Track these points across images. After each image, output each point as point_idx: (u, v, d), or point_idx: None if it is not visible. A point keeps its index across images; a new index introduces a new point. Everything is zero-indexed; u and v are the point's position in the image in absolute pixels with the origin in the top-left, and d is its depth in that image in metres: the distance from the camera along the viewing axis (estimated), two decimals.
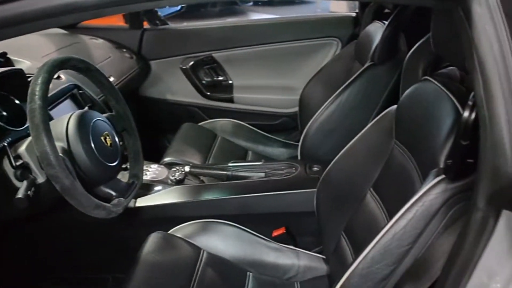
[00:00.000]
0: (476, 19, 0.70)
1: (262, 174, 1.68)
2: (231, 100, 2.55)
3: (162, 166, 1.78)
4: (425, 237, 0.88)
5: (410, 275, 0.90)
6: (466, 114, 0.78)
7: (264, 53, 2.48)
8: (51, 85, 1.10)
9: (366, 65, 1.74)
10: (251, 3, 8.80)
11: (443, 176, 0.87)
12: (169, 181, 1.67)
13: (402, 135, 1.17)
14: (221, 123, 2.36)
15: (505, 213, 0.72)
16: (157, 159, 1.91)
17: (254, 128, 2.39)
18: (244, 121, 2.41)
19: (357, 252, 0.96)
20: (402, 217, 0.89)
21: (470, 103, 0.78)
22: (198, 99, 2.55)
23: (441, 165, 0.91)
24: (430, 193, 0.87)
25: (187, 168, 1.72)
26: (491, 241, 0.74)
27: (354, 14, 2.46)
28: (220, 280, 1.35)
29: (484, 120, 0.70)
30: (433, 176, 0.89)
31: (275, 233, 1.57)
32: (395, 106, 1.22)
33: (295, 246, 1.54)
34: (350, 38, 2.35)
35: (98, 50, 2.22)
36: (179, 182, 1.67)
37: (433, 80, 1.07)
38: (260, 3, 8.78)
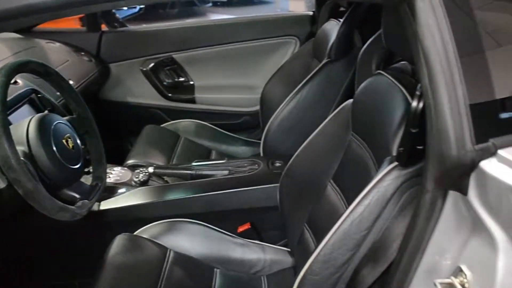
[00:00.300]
0: (420, 13, 0.75)
1: (226, 172, 1.71)
2: (192, 101, 2.56)
3: (125, 168, 1.78)
4: (382, 221, 0.93)
5: (369, 258, 0.94)
6: (414, 103, 0.83)
7: (224, 53, 2.50)
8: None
9: (323, 62, 1.79)
10: (210, 4, 8.80)
11: (396, 163, 0.92)
12: (133, 183, 1.68)
13: (358, 127, 1.22)
14: (184, 124, 2.37)
15: (451, 193, 0.77)
16: (120, 162, 1.91)
17: (216, 128, 2.41)
18: (207, 121, 2.43)
19: (319, 242, 0.99)
20: (359, 204, 0.93)
21: (417, 93, 0.83)
22: (160, 101, 2.55)
23: (394, 153, 0.96)
24: (385, 179, 0.91)
25: (150, 169, 1.73)
26: (440, 220, 0.79)
27: (311, 13, 2.51)
28: (188, 278, 1.36)
29: (429, 108, 0.74)
30: (386, 164, 0.94)
31: (240, 229, 1.60)
32: (351, 100, 1.27)
33: (261, 241, 1.57)
34: (308, 36, 2.39)
35: (56, 54, 2.19)
36: (143, 183, 1.68)
37: (385, 74, 1.12)
38: (219, 4, 8.79)
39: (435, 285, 0.80)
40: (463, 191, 0.74)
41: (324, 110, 1.75)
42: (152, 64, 2.48)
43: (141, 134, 2.20)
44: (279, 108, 1.82)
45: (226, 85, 2.56)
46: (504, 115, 0.75)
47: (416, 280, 0.85)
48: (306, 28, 2.47)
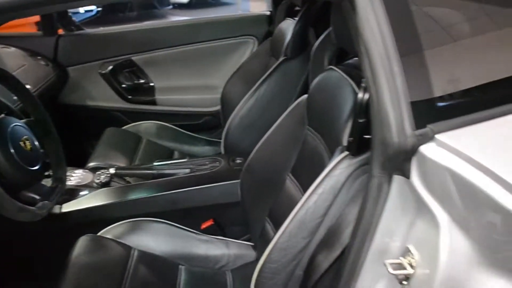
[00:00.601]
0: (359, 8, 0.79)
1: (187, 170, 1.73)
2: (153, 103, 2.56)
3: (86, 170, 1.78)
4: (335, 208, 0.97)
5: (324, 244, 0.98)
6: (360, 95, 0.88)
7: (184, 54, 2.51)
8: None
9: (279, 60, 1.83)
10: (170, 7, 8.76)
11: (346, 152, 0.97)
12: (95, 185, 1.68)
13: (313, 121, 1.26)
14: (145, 126, 2.37)
15: (396, 178, 0.81)
16: (82, 165, 1.90)
17: (178, 129, 2.42)
18: (169, 122, 2.44)
19: None
20: (313, 192, 0.97)
21: (363, 85, 0.88)
22: (120, 103, 2.54)
23: (345, 143, 1.00)
24: (336, 168, 0.96)
25: (112, 170, 1.73)
26: (387, 203, 0.83)
27: (268, 13, 2.56)
28: (153, 276, 1.37)
29: (372, 98, 0.79)
30: (338, 154, 0.98)
31: (203, 226, 1.62)
32: (306, 96, 1.32)
33: (224, 236, 1.60)
34: (266, 36, 2.44)
35: (11, 59, 2.17)
36: (104, 184, 1.68)
37: (337, 69, 1.17)
38: (177, 6, 8.76)
39: (385, 265, 0.83)
40: (406, 174, 0.79)
41: (282, 106, 1.76)
42: (110, 67, 2.47)
43: (102, 137, 2.19)
44: (238, 106, 1.86)
45: (186, 86, 2.58)
46: (440, 103, 0.80)
47: (368, 262, 0.89)
48: (264, 27, 2.51)
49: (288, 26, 1.95)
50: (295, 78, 1.83)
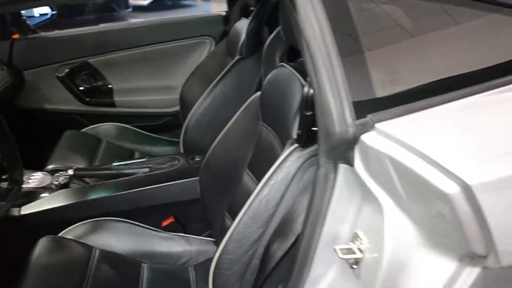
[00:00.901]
0: (299, 5, 0.84)
1: (146, 170, 1.75)
2: (112, 105, 2.55)
3: (45, 173, 1.77)
4: (287, 199, 1.01)
5: (278, 233, 1.02)
6: (306, 89, 0.93)
7: (141, 55, 2.52)
8: None
9: (235, 59, 1.87)
10: (130, 9, 8.66)
11: (296, 145, 1.01)
12: (53, 186, 1.68)
13: (266, 116, 1.31)
14: (105, 128, 2.37)
15: (341, 166, 0.86)
16: (41, 168, 1.89)
17: (138, 130, 2.42)
18: (129, 124, 2.44)
19: None
20: (266, 184, 1.02)
21: (308, 79, 0.92)
22: (78, 106, 2.52)
23: (294, 136, 1.05)
24: (287, 160, 1.01)
25: (70, 172, 1.73)
26: (335, 191, 0.88)
27: (224, 13, 2.59)
28: (115, 274, 1.38)
29: (315, 91, 0.84)
30: (288, 146, 1.03)
31: (164, 223, 1.64)
32: (259, 92, 1.36)
33: (186, 233, 1.62)
34: (222, 36, 2.46)
35: None
36: (63, 186, 1.68)
37: (287, 66, 1.21)
38: (137, 8, 8.68)
39: (335, 251, 0.88)
40: (350, 163, 0.84)
41: (239, 104, 1.79)
42: (67, 70, 2.44)
43: (60, 140, 2.18)
44: (195, 106, 1.89)
45: (145, 87, 2.58)
46: (379, 93, 0.85)
47: (320, 249, 0.92)
48: (220, 27, 2.54)
49: (243, 26, 1.99)
50: (250, 76, 1.87)
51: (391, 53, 0.92)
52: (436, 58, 0.95)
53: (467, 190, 0.66)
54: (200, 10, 8.45)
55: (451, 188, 0.66)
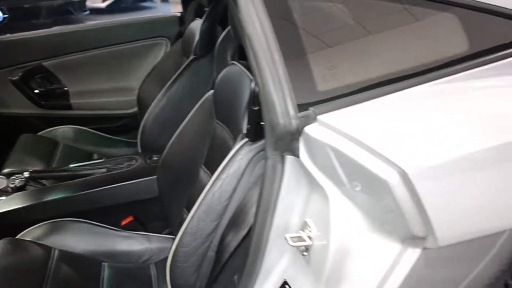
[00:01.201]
0: (241, 4, 0.88)
1: (104, 170, 1.75)
2: (69, 107, 2.53)
3: (1, 176, 1.75)
4: (239, 192, 1.05)
5: (231, 225, 1.06)
6: (253, 84, 0.97)
7: (97, 57, 2.51)
8: None
9: (189, 59, 1.90)
10: (87, 12, 8.51)
11: (246, 139, 1.05)
12: (9, 189, 1.66)
13: (219, 114, 1.34)
14: (62, 130, 2.35)
15: (287, 158, 0.90)
16: None
17: (96, 132, 2.41)
18: (87, 126, 2.42)
19: None
20: (218, 178, 1.05)
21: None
22: (34, 109, 2.49)
23: (244, 131, 1.09)
24: (238, 154, 1.05)
25: (26, 174, 1.72)
26: (283, 182, 0.91)
27: (179, 14, 2.61)
28: (75, 274, 1.38)
29: (259, 86, 0.88)
30: (239, 141, 1.07)
31: (123, 222, 1.65)
32: (212, 91, 1.39)
33: (146, 232, 1.64)
34: (177, 36, 2.48)
35: None
36: (20, 189, 1.67)
37: (237, 64, 1.25)
38: (95, 11, 8.53)
39: (286, 239, 0.91)
40: (296, 154, 0.88)
41: (195, 104, 1.83)
42: (20, 74, 2.41)
43: (16, 143, 2.15)
44: (151, 106, 1.91)
45: (102, 89, 2.57)
46: (321, 87, 0.90)
47: (272, 238, 0.95)
48: (175, 28, 2.56)
49: (197, 26, 2.02)
50: (205, 76, 1.90)
51: (333, 50, 0.96)
52: (377, 55, 1.00)
53: (405, 177, 0.70)
54: (160, 11, 8.36)
55: (389, 175, 0.70)
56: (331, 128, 0.83)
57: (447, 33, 0.98)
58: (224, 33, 1.69)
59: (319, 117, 0.85)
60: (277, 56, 0.85)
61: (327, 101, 0.88)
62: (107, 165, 1.78)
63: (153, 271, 1.49)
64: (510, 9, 0.96)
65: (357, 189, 0.79)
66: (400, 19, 1.00)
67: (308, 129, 0.85)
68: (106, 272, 1.43)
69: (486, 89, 0.95)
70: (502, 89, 0.94)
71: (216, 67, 1.76)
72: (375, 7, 1.00)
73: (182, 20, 2.54)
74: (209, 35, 1.88)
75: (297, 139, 0.87)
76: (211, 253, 1.09)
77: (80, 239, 1.51)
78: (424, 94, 0.93)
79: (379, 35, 0.99)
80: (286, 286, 0.94)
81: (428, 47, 0.98)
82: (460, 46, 0.97)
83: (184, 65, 1.91)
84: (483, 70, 0.96)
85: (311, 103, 0.87)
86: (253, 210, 1.03)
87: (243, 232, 1.03)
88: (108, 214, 1.66)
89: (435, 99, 0.92)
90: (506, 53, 0.96)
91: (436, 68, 0.95)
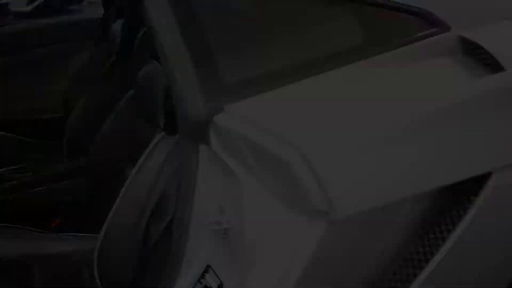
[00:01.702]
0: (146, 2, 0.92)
1: (30, 173, 1.73)
2: None
3: None
4: (160, 184, 1.09)
5: (154, 217, 1.09)
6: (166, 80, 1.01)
7: (20, 60, 2.47)
8: None
9: (112, 60, 1.91)
10: (11, 16, 8.13)
11: (163, 133, 1.09)
12: None
13: (142, 111, 1.37)
14: None
15: (201, 147, 0.95)
16: None
17: (22, 138, 2.33)
18: (11, 132, 2.33)
19: None
20: (139, 171, 1.09)
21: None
22: None
23: (162, 125, 1.13)
24: (157, 147, 1.08)
25: None
26: (199, 170, 0.96)
27: (102, 16, 2.59)
28: (4, 281, 1.37)
29: (170, 79, 0.92)
30: (157, 135, 1.11)
31: (52, 225, 1.64)
32: (134, 90, 1.42)
33: (77, 233, 1.63)
34: (101, 38, 2.46)
35: None
36: None
37: (155, 62, 1.29)
38: (19, 15, 8.18)
39: (206, 225, 0.94)
40: (208, 143, 0.93)
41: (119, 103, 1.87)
42: None
43: None
44: (76, 108, 1.90)
45: (26, 94, 2.50)
46: (228, 78, 0.95)
47: (193, 226, 0.99)
48: (99, 30, 2.54)
49: (119, 27, 2.03)
50: (128, 75, 1.91)
51: (240, 40, 1.01)
52: (282, 46, 1.05)
53: (304, 156, 0.76)
54: (89, 14, 8.13)
55: (289, 154, 0.76)
56: (238, 116, 0.88)
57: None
58: (141, 32, 1.72)
59: (226, 106, 0.90)
60: (184, 50, 0.89)
61: (235, 91, 0.93)
62: (33, 169, 1.76)
63: (85, 272, 1.49)
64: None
65: (264, 171, 0.84)
66: (304, 11, 1.06)
67: (217, 119, 0.90)
68: (37, 276, 1.41)
69: (386, 75, 1.02)
70: (399, 76, 1.01)
71: (137, 66, 1.77)
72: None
73: (105, 22, 2.52)
74: (129, 35, 1.90)
75: (208, 129, 0.91)
76: (137, 245, 1.12)
77: (6, 244, 1.48)
78: (324, 81, 0.99)
79: (285, 26, 1.05)
80: (210, 269, 0.98)
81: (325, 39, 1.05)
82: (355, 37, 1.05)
83: (107, 66, 1.91)
84: (380, 58, 1.04)
85: (219, 94, 0.92)
86: (174, 200, 1.07)
87: (165, 222, 1.07)
88: (36, 217, 1.64)
89: (336, 86, 0.99)
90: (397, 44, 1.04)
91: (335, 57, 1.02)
